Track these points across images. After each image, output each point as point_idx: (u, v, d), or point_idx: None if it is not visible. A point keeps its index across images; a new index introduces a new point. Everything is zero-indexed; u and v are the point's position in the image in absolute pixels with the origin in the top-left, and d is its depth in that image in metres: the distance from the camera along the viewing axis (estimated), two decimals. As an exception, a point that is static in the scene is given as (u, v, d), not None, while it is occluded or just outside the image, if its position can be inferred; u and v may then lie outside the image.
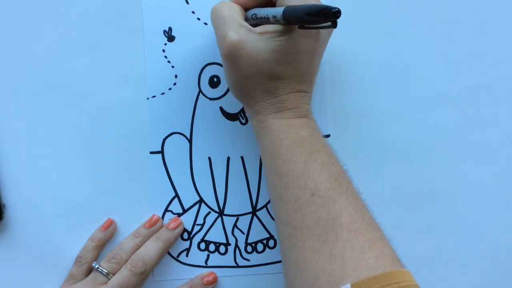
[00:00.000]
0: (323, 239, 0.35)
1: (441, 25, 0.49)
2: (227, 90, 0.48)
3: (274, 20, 0.38)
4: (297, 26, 0.38)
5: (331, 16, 0.34)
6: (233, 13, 0.40)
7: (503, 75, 0.50)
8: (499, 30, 0.49)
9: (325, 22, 0.35)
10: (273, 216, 0.49)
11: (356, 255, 0.33)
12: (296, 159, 0.38)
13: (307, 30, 0.38)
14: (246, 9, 0.43)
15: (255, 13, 0.41)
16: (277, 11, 0.38)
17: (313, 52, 0.40)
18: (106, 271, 0.45)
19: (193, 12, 0.48)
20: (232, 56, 0.39)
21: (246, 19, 0.41)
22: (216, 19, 0.41)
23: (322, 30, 0.40)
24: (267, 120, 0.40)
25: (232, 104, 0.49)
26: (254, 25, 0.40)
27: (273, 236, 0.49)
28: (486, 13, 0.49)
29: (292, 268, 0.37)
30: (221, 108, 0.49)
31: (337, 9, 0.34)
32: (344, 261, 0.33)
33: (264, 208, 0.49)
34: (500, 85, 0.50)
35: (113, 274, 0.45)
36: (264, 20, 0.40)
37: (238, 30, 0.39)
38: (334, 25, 0.35)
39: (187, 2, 0.48)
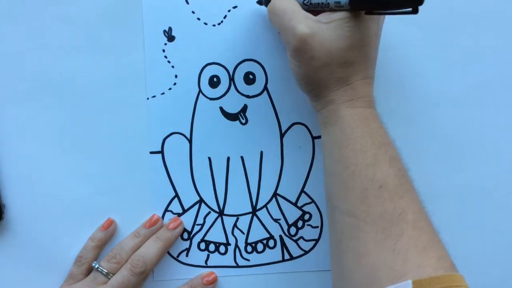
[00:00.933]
0: (387, 233, 0.35)
1: (441, 25, 0.49)
2: (227, 90, 0.48)
3: (336, 6, 0.39)
4: (363, 12, 0.39)
5: (416, 2, 0.34)
6: (295, 6, 0.41)
7: (503, 75, 0.50)
8: (499, 30, 0.49)
9: (406, 8, 0.35)
10: (274, 218, 0.49)
11: (419, 253, 0.34)
12: (366, 150, 0.38)
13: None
14: None
15: (309, 0, 0.41)
16: None
17: (378, 35, 0.41)
18: (106, 271, 0.45)
19: (193, 12, 0.48)
20: (305, 49, 0.39)
21: None
22: (279, 15, 0.41)
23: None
24: (340, 109, 0.40)
25: (232, 104, 0.49)
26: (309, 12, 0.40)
27: (273, 236, 0.49)
28: (486, 13, 0.49)
29: (349, 259, 0.37)
30: (221, 108, 0.49)
31: None
32: (407, 257, 0.34)
33: (264, 208, 0.49)
34: (500, 85, 0.50)
35: (113, 274, 0.45)
36: (321, 6, 0.40)
37: (306, 23, 0.39)
38: (416, 10, 0.35)
39: (187, 2, 0.48)
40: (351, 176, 0.38)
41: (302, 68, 0.41)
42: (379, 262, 0.34)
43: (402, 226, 0.35)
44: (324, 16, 0.40)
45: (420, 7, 0.36)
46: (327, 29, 0.39)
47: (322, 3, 0.40)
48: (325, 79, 0.40)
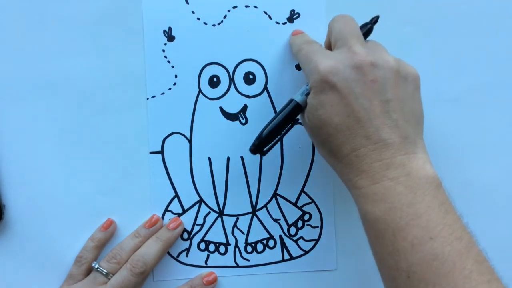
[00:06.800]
0: None
1: (441, 25, 0.49)
2: (227, 90, 0.48)
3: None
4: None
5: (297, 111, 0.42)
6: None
7: (503, 75, 0.50)
8: (499, 30, 0.49)
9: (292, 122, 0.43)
10: (274, 218, 0.49)
11: None
12: (383, 236, 0.35)
13: None
14: None
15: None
16: None
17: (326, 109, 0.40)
18: (106, 271, 0.45)
19: (193, 12, 0.48)
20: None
21: None
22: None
23: None
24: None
25: (232, 104, 0.49)
26: None
27: (273, 236, 0.49)
28: (487, 13, 0.49)
29: None
30: (221, 108, 0.49)
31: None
32: None
33: (264, 208, 0.49)
34: (500, 85, 0.50)
35: (113, 274, 0.45)
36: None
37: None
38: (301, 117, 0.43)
39: (187, 2, 0.48)
40: (379, 264, 0.37)
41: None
42: None
43: None
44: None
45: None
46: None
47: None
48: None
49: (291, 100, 0.42)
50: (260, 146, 0.42)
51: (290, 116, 0.42)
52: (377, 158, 0.37)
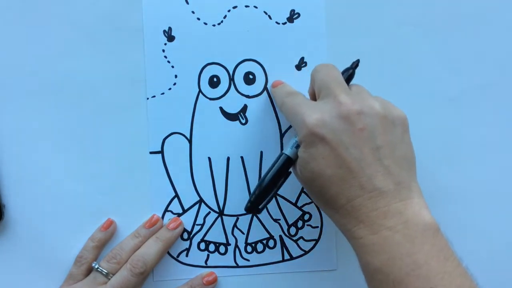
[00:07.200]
0: None
1: (441, 25, 0.49)
2: (227, 90, 0.48)
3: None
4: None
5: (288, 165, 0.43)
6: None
7: (503, 75, 0.50)
8: (499, 30, 0.49)
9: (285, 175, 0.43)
10: (274, 218, 0.49)
11: None
12: (384, 287, 0.35)
13: None
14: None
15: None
16: None
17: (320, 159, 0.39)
18: (106, 271, 0.45)
19: (193, 12, 0.48)
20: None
21: None
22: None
23: None
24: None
25: (232, 104, 0.49)
26: None
27: (273, 236, 0.49)
28: (486, 13, 0.49)
29: None
30: (221, 108, 0.49)
31: None
32: None
33: (264, 208, 0.49)
34: (500, 85, 0.50)
35: (113, 274, 0.45)
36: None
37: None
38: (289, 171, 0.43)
39: (187, 2, 0.48)
40: None
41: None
42: None
43: None
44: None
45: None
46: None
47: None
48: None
49: (282, 154, 0.42)
50: (255, 204, 0.42)
51: (282, 170, 0.42)
52: (373, 208, 0.36)
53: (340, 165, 0.37)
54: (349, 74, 0.43)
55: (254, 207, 0.42)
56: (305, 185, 0.41)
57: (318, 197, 0.40)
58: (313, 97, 0.43)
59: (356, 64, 0.44)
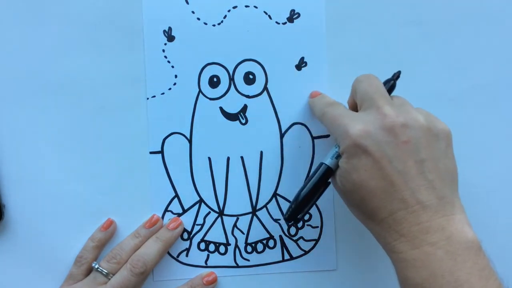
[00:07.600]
0: None
1: (441, 25, 0.49)
2: (227, 90, 0.48)
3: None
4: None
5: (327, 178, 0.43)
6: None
7: (503, 75, 0.50)
8: (499, 30, 0.49)
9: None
10: (274, 218, 0.49)
11: None
12: None
13: None
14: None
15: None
16: None
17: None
18: (106, 271, 0.45)
19: (193, 12, 0.48)
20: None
21: None
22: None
23: None
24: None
25: (232, 104, 0.49)
26: None
27: (273, 236, 0.49)
28: (486, 13, 0.49)
29: None
30: (221, 108, 0.49)
31: None
32: None
33: (264, 208, 0.49)
34: (500, 85, 0.50)
35: (113, 274, 0.45)
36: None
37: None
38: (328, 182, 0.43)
39: (187, 2, 0.48)
40: None
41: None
42: None
43: None
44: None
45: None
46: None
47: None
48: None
49: (322, 164, 0.41)
50: (295, 213, 0.42)
51: (322, 180, 0.41)
52: (415, 222, 0.36)
53: (383, 177, 0.37)
54: (390, 85, 0.43)
55: (293, 216, 0.42)
56: (344, 196, 0.40)
57: (358, 209, 0.39)
58: (353, 108, 0.43)
59: (397, 75, 0.43)
